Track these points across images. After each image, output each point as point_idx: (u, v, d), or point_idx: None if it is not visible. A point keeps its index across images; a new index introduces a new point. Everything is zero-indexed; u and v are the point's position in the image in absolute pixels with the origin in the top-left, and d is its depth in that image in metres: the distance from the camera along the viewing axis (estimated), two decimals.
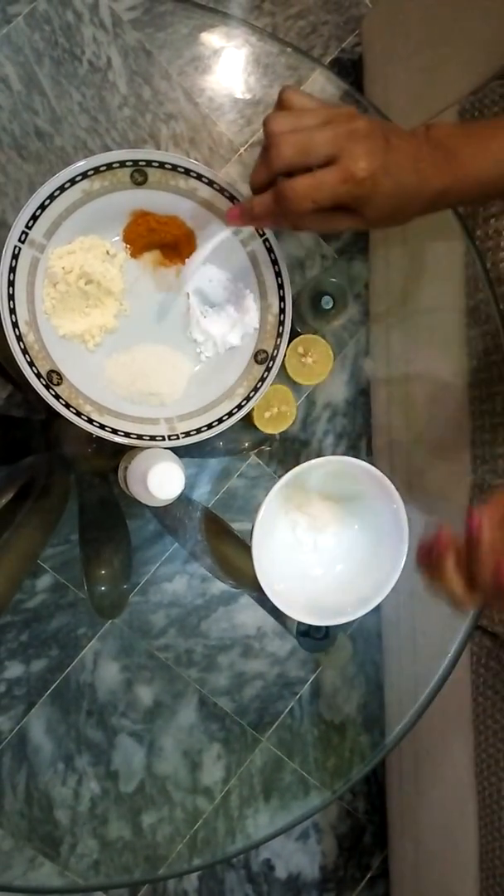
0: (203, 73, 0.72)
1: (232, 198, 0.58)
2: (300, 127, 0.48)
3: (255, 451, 0.72)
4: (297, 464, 0.52)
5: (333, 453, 0.77)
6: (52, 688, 0.71)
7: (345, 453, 0.78)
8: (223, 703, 0.75)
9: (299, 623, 0.52)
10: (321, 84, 0.74)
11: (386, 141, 0.49)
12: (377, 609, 0.54)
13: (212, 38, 0.72)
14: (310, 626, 0.52)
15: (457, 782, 0.98)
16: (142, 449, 0.55)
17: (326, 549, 0.55)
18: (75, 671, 0.72)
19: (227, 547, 0.58)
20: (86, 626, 0.71)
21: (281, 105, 0.51)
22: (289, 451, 0.75)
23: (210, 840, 0.75)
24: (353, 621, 0.50)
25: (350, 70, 1.25)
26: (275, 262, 0.60)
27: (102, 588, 0.55)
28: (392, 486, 0.53)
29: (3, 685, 0.70)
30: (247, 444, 0.68)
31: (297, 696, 0.77)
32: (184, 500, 0.65)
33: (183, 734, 0.74)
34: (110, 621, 0.71)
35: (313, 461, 0.51)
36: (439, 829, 1.06)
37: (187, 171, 0.57)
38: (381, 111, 0.74)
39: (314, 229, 0.54)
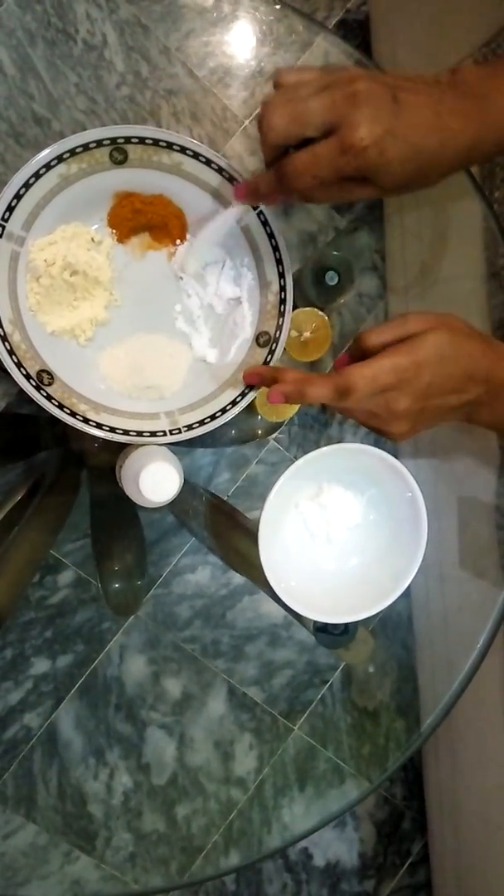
0: (202, 45, 0.69)
1: (220, 169, 0.55)
2: (294, 97, 0.45)
3: (272, 436, 0.70)
4: (318, 447, 0.50)
5: (354, 435, 0.74)
6: (79, 683, 0.71)
7: (366, 435, 0.75)
8: (253, 693, 0.74)
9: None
10: (325, 48, 0.71)
11: (394, 101, 0.45)
12: (406, 593, 0.52)
13: (209, 7, 0.69)
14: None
15: (495, 766, 0.96)
16: (136, 446, 0.53)
17: (340, 542, 0.53)
18: (102, 665, 0.71)
19: (239, 541, 0.56)
20: (110, 620, 0.70)
21: (277, 86, 0.48)
22: (308, 434, 0.73)
23: (246, 830, 0.74)
24: (374, 616, 0.48)
25: (357, 31, 1.20)
26: (271, 237, 0.57)
27: (116, 585, 0.53)
28: (407, 473, 0.50)
29: (30, 682, 0.69)
30: (260, 431, 0.65)
31: (328, 684, 0.75)
32: (189, 491, 0.63)
33: (213, 725, 0.73)
34: (134, 615, 0.70)
35: (321, 450, 0.48)
36: (479, 813, 1.04)
37: (170, 145, 0.54)
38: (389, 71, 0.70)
39: (326, 201, 0.51)
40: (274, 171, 0.48)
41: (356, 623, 0.50)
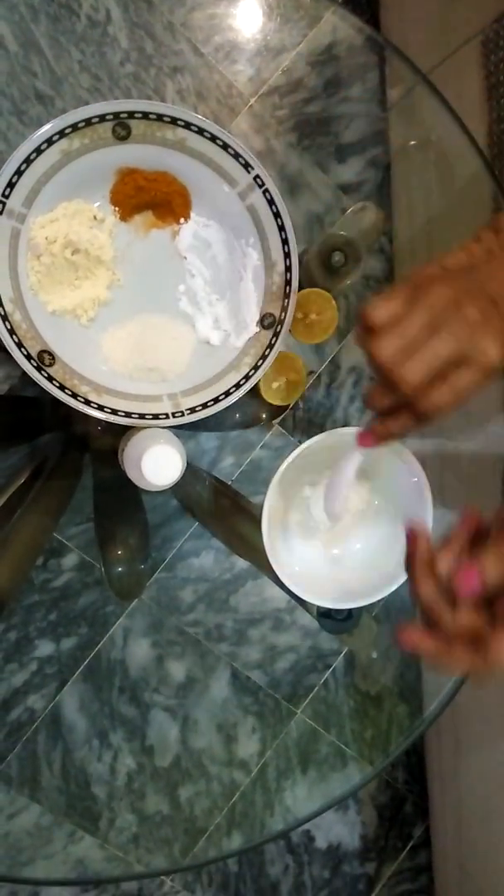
0: (207, 20, 0.68)
1: (225, 145, 0.53)
2: (410, 343, 0.43)
3: (276, 420, 0.70)
4: (322, 431, 0.49)
5: (360, 420, 0.74)
6: (83, 665, 0.71)
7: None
8: (256, 677, 0.74)
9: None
10: (333, 23, 0.69)
11: (493, 304, 0.44)
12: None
13: None
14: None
15: (497, 751, 0.96)
16: (139, 429, 0.52)
17: (344, 527, 0.52)
18: (105, 648, 0.71)
19: (242, 526, 0.56)
20: (114, 603, 0.70)
21: (369, 327, 0.45)
22: (313, 419, 0.73)
23: (248, 812, 0.75)
24: (378, 601, 0.48)
25: (365, 6, 1.17)
26: (277, 216, 0.55)
27: (119, 569, 0.53)
28: (413, 458, 0.49)
29: (34, 664, 0.70)
30: (264, 415, 0.64)
31: (331, 668, 0.75)
32: (193, 475, 0.63)
33: (217, 708, 0.74)
34: (138, 599, 0.70)
35: (325, 434, 0.48)
36: (481, 798, 1.04)
37: (174, 120, 0.52)
38: (399, 48, 0.69)
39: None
40: (410, 416, 0.46)
41: (360, 609, 0.50)
